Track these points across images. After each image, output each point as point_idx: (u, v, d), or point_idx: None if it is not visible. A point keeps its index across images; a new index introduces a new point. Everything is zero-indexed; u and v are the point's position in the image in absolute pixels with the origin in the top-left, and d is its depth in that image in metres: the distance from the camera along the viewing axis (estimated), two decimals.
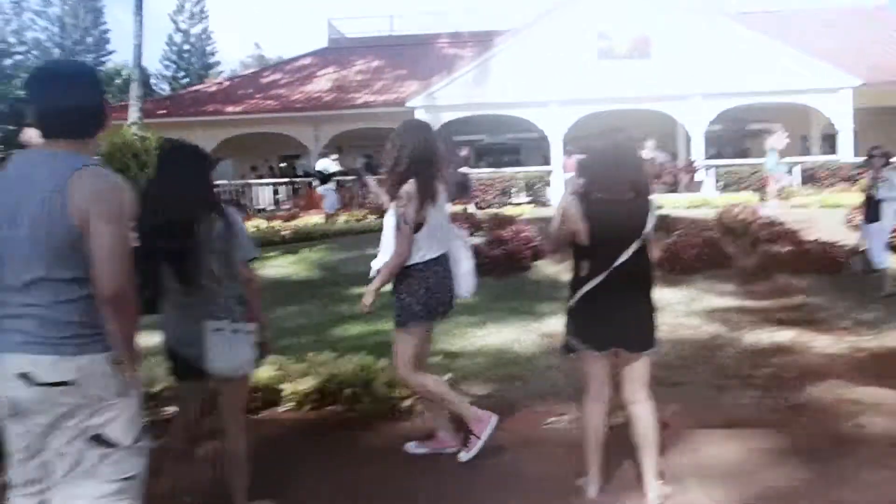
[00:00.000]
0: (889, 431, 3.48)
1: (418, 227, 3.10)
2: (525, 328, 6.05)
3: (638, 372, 2.81)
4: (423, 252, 3.15)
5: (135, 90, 16.04)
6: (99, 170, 1.93)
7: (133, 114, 15.62)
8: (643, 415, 2.81)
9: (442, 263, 3.22)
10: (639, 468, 2.86)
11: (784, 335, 5.43)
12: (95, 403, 1.87)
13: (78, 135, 1.94)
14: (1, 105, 22.92)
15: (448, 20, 23.54)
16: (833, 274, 7.31)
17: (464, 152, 15.23)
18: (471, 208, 14.04)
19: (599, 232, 2.71)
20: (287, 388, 4.15)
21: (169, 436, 2.76)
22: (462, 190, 14.82)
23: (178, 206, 2.50)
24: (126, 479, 1.93)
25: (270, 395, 4.13)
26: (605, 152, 2.79)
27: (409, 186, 3.07)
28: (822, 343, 5.17)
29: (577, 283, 2.81)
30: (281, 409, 4.12)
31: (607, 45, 16.61)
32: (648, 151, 13.46)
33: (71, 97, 1.94)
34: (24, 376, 1.81)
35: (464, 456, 3.22)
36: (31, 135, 3.02)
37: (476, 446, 3.20)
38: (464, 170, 14.84)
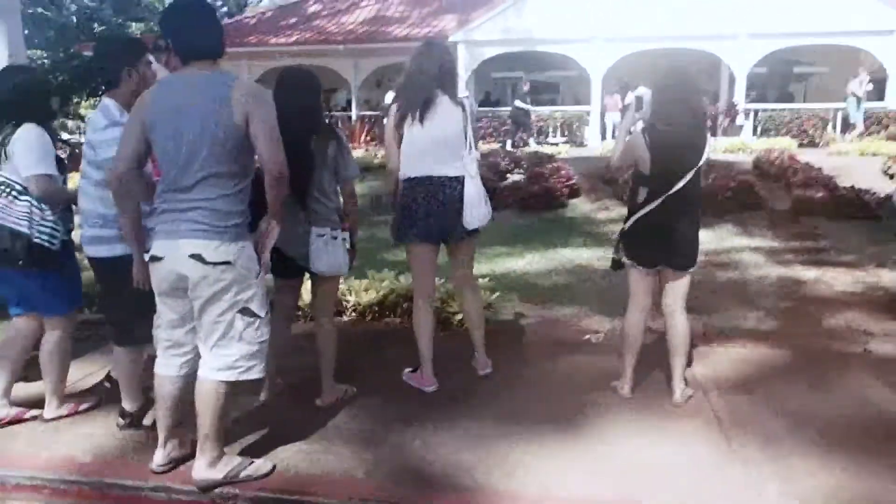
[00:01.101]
0: (894, 355, 3.87)
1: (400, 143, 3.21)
2: (562, 259, 6.47)
3: (679, 287, 3.19)
4: (403, 171, 3.22)
5: None
6: (249, 81, 2.42)
7: None
8: (678, 325, 3.21)
9: (427, 185, 3.15)
10: (668, 372, 3.29)
11: (808, 273, 5.77)
12: (244, 281, 2.38)
13: (213, 56, 2.39)
14: (52, 31, 23.44)
15: None
16: (864, 220, 7.53)
17: (525, 87, 15.36)
18: (508, 146, 14.30)
19: (660, 161, 3.01)
20: (351, 299, 4.67)
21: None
22: (520, 122, 15.10)
23: (299, 126, 2.87)
24: (261, 342, 2.47)
25: (336, 306, 4.64)
26: (671, 89, 3.04)
27: (392, 104, 3.24)
28: (844, 281, 5.50)
29: (633, 207, 3.14)
30: (345, 318, 4.64)
31: None
32: None
33: (205, 26, 2.39)
34: (197, 257, 2.30)
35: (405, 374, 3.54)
36: (156, 67, 3.41)
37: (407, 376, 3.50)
38: (519, 104, 15.04)
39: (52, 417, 3.07)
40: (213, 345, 2.41)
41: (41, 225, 2.84)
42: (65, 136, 25.41)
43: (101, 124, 2.74)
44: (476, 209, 3.21)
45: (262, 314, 2.46)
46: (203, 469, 2.48)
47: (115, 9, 30.32)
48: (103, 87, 2.97)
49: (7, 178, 2.85)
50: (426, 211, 3.17)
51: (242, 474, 2.53)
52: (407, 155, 3.19)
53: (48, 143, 2.86)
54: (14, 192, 2.83)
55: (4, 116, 2.91)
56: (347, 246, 3.09)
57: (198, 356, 2.52)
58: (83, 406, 3.17)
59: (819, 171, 8.98)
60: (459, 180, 3.18)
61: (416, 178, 3.18)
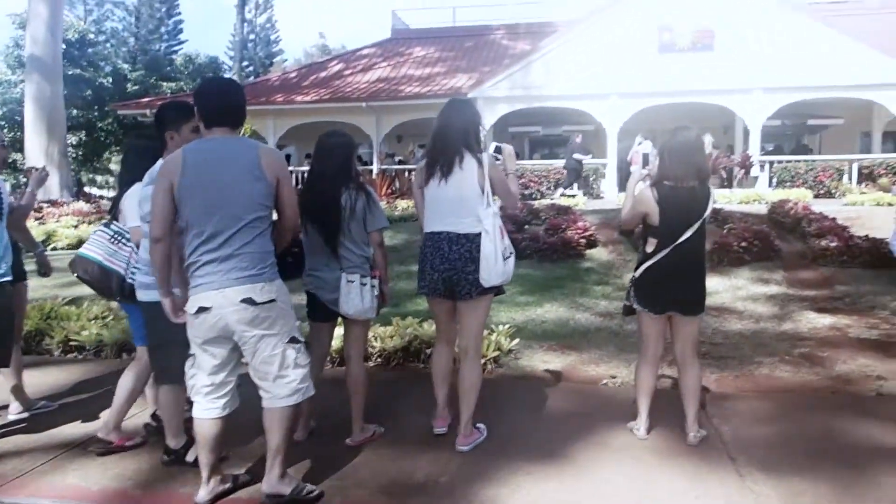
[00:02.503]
0: None
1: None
2: (579, 308, 6.64)
3: (689, 333, 3.39)
4: (425, 225, 3.35)
5: None
6: (270, 147, 2.77)
7: None
8: (690, 369, 3.38)
9: (435, 241, 3.22)
10: (682, 415, 3.42)
11: (823, 320, 5.88)
12: (286, 314, 2.67)
13: (238, 126, 2.76)
14: (88, 91, 24.59)
15: (509, 11, 24.03)
16: (880, 269, 7.62)
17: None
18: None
19: (668, 214, 3.26)
20: (377, 345, 4.87)
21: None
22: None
23: (332, 181, 3.22)
24: (308, 363, 2.79)
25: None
26: (677, 148, 3.28)
27: (421, 162, 3.42)
28: (858, 328, 5.60)
29: (644, 256, 3.37)
30: (371, 363, 4.83)
31: (669, 37, 16.74)
32: (706, 146, 13.81)
33: (235, 100, 2.74)
34: (248, 300, 2.56)
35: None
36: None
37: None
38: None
39: (102, 438, 3.31)
40: (274, 376, 2.67)
41: (135, 268, 3.20)
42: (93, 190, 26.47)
43: (146, 181, 3.04)
44: (492, 266, 3.13)
45: (303, 339, 2.78)
46: (275, 483, 2.73)
47: (147, 70, 31.92)
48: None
49: (121, 229, 3.34)
50: (431, 265, 3.25)
51: (303, 493, 2.77)
52: (426, 210, 3.32)
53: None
54: (123, 240, 3.31)
55: (125, 178, 3.40)
56: (376, 293, 3.32)
57: (236, 394, 2.79)
58: (129, 443, 3.38)
59: (833, 221, 9.11)
60: (470, 238, 3.17)
61: (429, 233, 3.29)
